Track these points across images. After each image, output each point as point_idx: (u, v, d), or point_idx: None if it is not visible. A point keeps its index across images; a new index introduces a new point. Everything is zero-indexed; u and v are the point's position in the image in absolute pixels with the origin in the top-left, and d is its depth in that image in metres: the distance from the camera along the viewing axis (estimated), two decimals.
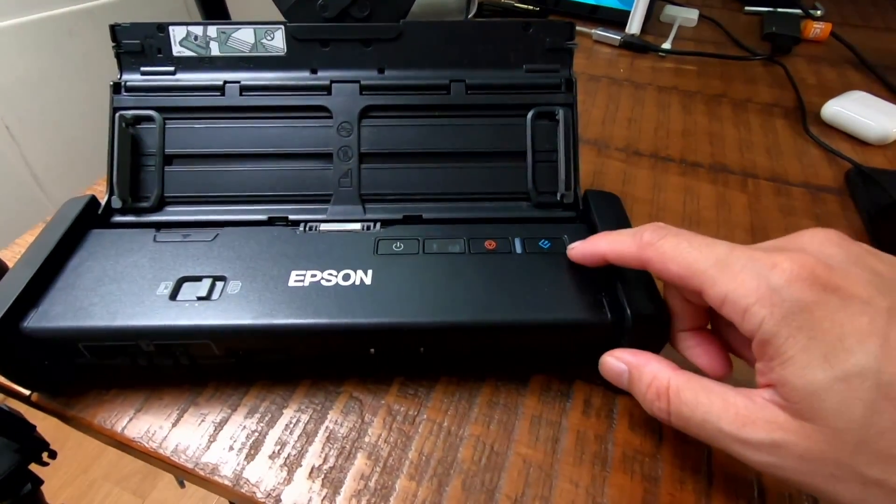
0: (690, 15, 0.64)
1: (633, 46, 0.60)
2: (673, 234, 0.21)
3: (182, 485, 0.48)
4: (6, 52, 0.93)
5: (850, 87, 0.51)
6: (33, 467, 0.36)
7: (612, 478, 0.23)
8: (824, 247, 0.19)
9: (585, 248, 0.25)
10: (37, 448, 0.37)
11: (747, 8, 0.71)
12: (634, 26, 0.62)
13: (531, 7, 0.67)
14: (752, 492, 0.23)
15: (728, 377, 0.22)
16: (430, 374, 0.27)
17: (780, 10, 0.68)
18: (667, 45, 0.59)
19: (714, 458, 0.24)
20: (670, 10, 0.65)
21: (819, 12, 0.68)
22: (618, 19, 0.64)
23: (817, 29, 0.62)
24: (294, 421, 0.25)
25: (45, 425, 0.32)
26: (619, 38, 0.60)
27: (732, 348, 0.23)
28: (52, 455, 0.38)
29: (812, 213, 0.38)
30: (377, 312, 0.24)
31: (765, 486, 0.23)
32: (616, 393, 0.26)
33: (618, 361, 0.23)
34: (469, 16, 0.58)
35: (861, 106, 0.46)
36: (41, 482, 0.40)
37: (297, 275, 0.25)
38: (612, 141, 0.45)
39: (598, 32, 0.62)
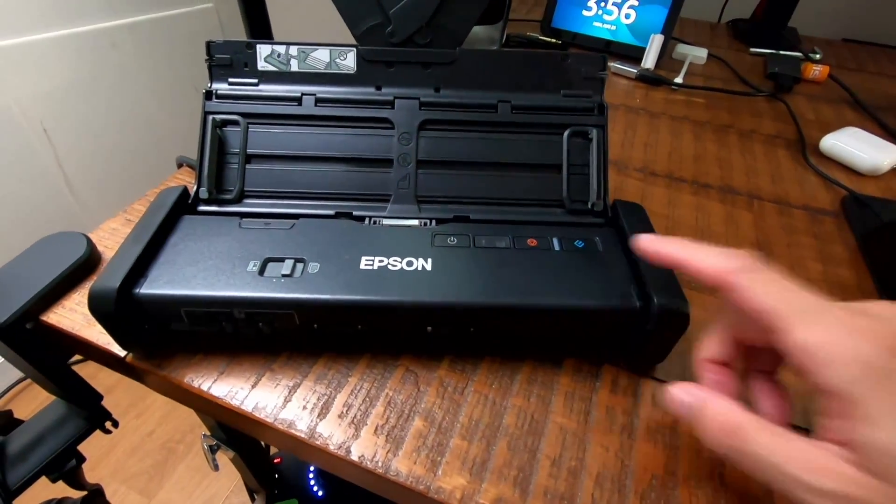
0: (700, 53, 0.69)
1: (647, 79, 0.65)
2: (768, 272, 0.22)
3: (216, 468, 0.51)
4: (51, 60, 0.99)
5: (845, 123, 0.55)
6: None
7: (638, 445, 0.27)
8: None
9: (658, 245, 0.25)
10: (102, 417, 0.40)
11: (752, 49, 0.77)
12: (649, 61, 0.67)
13: (553, 40, 0.73)
14: None
15: None
16: (476, 355, 0.31)
17: (782, 52, 0.74)
18: (679, 80, 0.65)
19: None
20: (682, 49, 0.71)
21: (818, 56, 0.74)
22: (630, 54, 0.70)
23: (816, 71, 0.67)
24: (358, 388, 0.29)
25: None
26: (636, 71, 0.66)
27: None
28: (115, 424, 0.41)
29: (812, 232, 0.42)
30: (439, 293, 0.27)
31: None
32: (640, 377, 0.30)
33: (684, 393, 0.24)
34: (498, 46, 0.63)
35: (856, 140, 0.51)
36: (84, 459, 0.43)
37: (366, 260, 0.29)
38: (630, 162, 0.50)
39: (616, 66, 0.67)
